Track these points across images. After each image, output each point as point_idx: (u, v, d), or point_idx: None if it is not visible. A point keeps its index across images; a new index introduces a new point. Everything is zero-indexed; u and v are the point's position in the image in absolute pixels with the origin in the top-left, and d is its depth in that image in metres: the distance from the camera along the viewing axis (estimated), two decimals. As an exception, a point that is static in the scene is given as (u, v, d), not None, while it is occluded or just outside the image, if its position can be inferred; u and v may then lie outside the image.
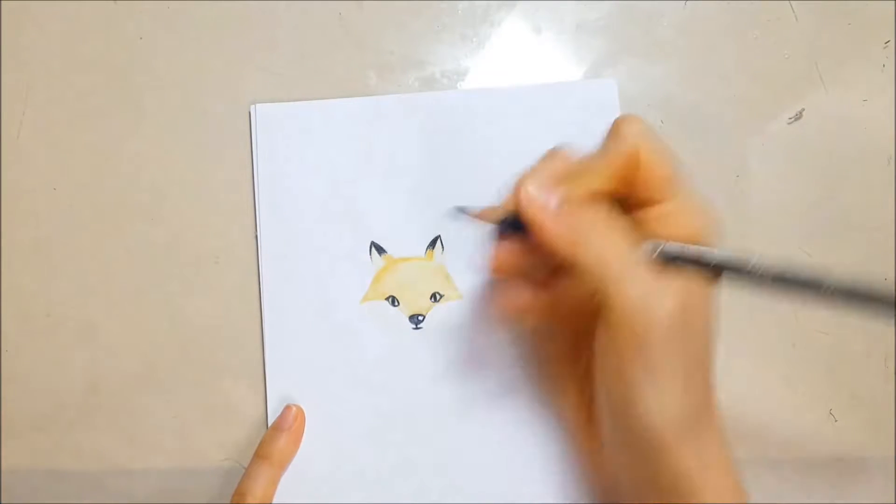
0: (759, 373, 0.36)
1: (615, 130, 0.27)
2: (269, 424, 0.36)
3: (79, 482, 0.37)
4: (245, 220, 0.37)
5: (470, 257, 0.36)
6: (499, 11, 0.39)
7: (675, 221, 0.26)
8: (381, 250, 0.37)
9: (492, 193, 0.37)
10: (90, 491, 0.36)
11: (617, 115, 0.37)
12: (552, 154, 0.28)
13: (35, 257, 0.38)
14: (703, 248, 0.25)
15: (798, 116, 0.37)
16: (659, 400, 0.25)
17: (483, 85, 0.38)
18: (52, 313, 0.38)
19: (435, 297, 0.36)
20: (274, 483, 0.34)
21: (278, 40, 0.39)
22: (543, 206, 0.26)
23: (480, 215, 0.30)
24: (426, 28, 0.39)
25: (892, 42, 0.38)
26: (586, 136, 0.37)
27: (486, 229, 0.29)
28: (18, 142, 0.39)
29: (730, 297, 0.36)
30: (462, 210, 0.32)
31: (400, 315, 0.36)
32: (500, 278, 0.30)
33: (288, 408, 0.35)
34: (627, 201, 0.27)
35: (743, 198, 0.37)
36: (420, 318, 0.36)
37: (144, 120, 0.39)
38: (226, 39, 0.39)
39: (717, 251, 0.25)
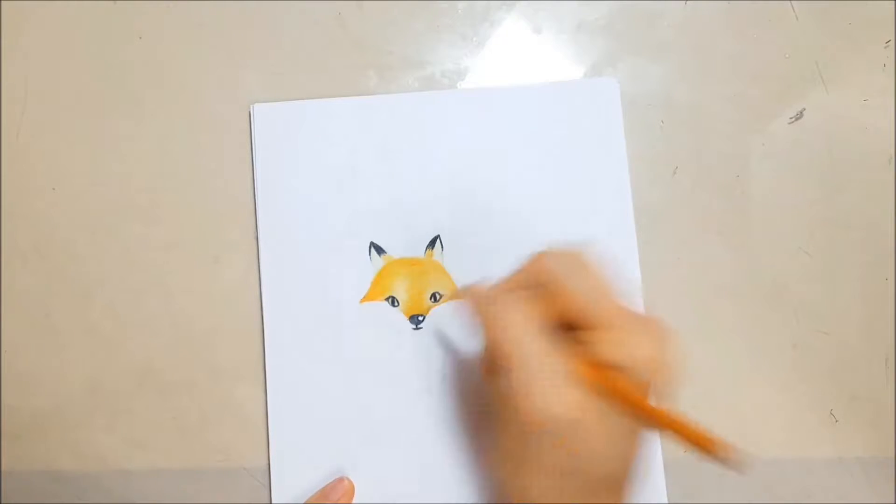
0: (759, 373, 0.36)
1: (533, 261, 0.28)
2: (270, 423, 0.36)
3: (79, 482, 0.37)
4: (245, 220, 0.37)
5: (469, 257, 0.36)
6: (499, 11, 0.39)
7: (621, 349, 0.26)
8: (380, 250, 0.37)
9: (492, 192, 0.37)
10: (90, 491, 0.37)
11: (619, 114, 0.37)
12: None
13: (35, 257, 0.38)
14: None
15: (798, 116, 0.37)
16: None
17: (483, 85, 0.38)
18: (52, 313, 0.38)
19: (435, 297, 0.36)
20: None
21: (278, 40, 0.39)
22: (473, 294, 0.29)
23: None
24: (426, 28, 0.39)
25: (893, 42, 0.38)
26: (587, 135, 0.37)
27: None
28: (18, 142, 0.39)
29: (730, 298, 0.36)
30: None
31: (400, 315, 0.36)
32: None
33: (339, 480, 0.35)
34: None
35: (743, 198, 0.37)
36: (420, 318, 0.36)
37: (144, 120, 0.39)
38: (226, 39, 0.39)
39: None
